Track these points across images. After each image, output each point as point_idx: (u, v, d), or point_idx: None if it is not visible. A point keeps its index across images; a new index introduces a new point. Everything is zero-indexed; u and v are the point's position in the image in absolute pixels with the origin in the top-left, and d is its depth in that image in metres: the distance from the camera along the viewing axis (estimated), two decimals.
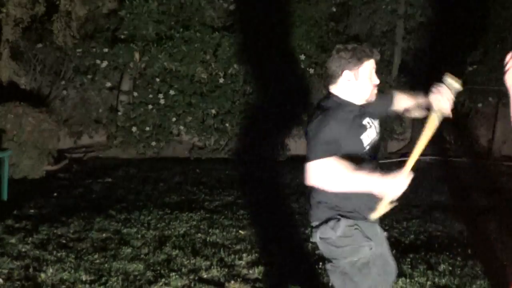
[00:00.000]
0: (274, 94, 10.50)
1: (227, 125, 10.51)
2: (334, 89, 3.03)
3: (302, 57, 10.54)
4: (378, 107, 3.15)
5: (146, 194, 7.26)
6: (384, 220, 6.21)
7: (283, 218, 6.42)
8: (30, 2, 9.28)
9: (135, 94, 10.48)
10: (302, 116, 10.62)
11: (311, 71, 10.71)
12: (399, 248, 5.42)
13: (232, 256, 5.08)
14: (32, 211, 6.38)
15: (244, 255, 5.12)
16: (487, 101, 11.47)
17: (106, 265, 4.84)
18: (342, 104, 2.99)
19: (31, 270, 4.67)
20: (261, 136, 10.44)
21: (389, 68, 11.42)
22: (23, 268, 4.71)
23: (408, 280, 4.62)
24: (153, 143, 10.42)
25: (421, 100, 3.16)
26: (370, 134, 3.02)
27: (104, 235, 5.62)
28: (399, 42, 11.28)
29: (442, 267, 4.95)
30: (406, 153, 11.60)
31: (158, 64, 10.21)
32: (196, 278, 4.63)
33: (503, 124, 11.65)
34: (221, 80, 10.39)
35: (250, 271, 4.79)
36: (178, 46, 10.16)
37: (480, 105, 11.60)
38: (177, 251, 5.20)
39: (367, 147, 2.98)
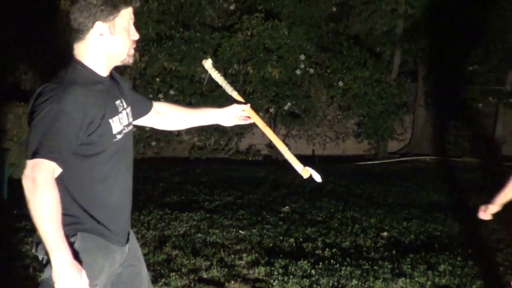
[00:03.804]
0: None
1: None
2: (80, 48, 2.28)
3: (302, 57, 10.55)
4: (136, 103, 2.51)
5: (146, 194, 7.26)
6: (384, 220, 6.23)
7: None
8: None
9: None
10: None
11: (311, 71, 10.71)
12: (399, 248, 5.42)
13: (232, 256, 5.08)
14: None
15: (244, 255, 5.11)
16: (487, 101, 11.47)
17: None
18: (86, 75, 2.26)
19: (31, 270, 4.66)
20: None
21: (389, 68, 11.42)
22: (23, 268, 4.71)
23: (408, 280, 4.61)
24: (153, 143, 10.43)
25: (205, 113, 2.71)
26: (122, 120, 2.32)
27: None
28: (399, 42, 11.29)
29: (442, 267, 4.94)
30: (406, 153, 11.66)
31: (158, 64, 10.22)
32: (196, 278, 4.62)
33: (503, 124, 11.67)
34: None
35: (250, 271, 4.78)
36: (178, 46, 10.16)
37: (480, 105, 11.61)
38: (177, 251, 5.19)
39: (119, 137, 2.27)
